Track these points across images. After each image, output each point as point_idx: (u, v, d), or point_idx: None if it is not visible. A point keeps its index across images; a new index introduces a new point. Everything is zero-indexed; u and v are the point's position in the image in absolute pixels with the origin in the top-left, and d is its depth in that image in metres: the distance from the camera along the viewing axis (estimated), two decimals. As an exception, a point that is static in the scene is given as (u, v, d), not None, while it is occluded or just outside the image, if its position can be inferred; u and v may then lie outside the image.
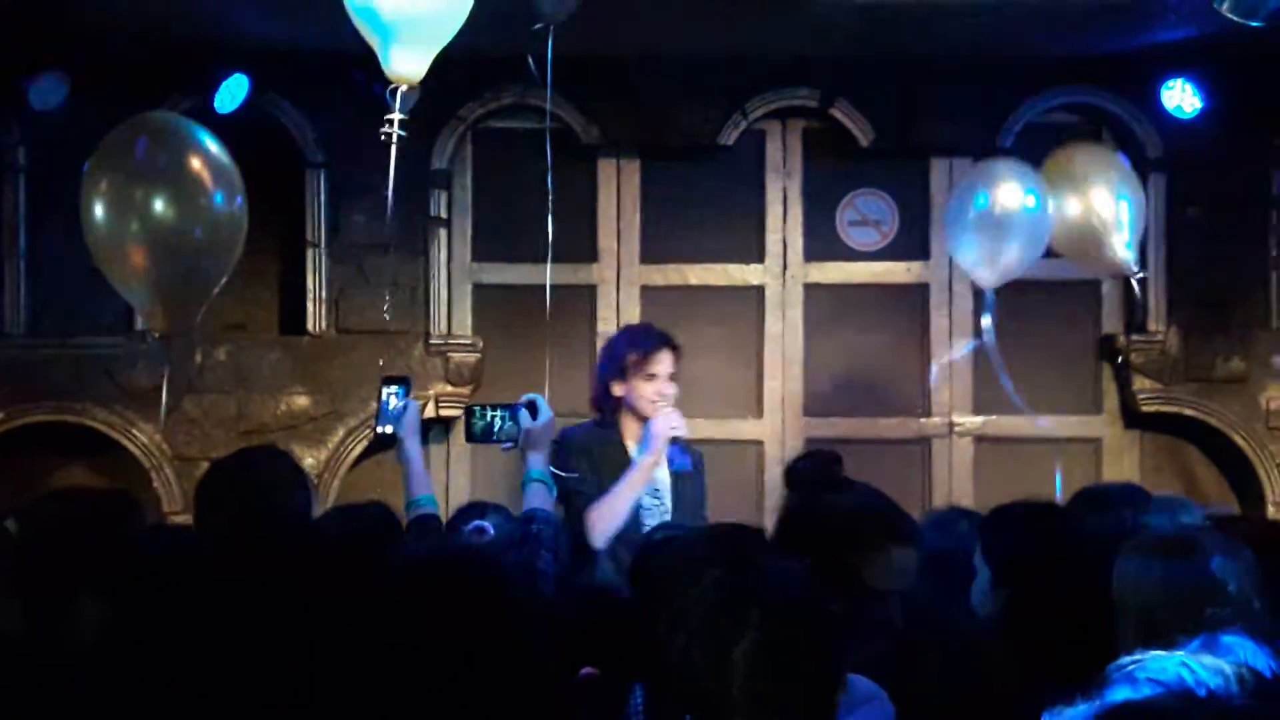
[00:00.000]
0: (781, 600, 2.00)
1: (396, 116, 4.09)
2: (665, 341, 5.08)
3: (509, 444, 3.86)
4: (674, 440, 4.92)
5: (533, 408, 3.84)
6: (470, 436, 3.89)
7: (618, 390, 5.00)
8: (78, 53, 5.80)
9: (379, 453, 6.27)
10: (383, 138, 4.10)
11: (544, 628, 2.18)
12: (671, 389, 5.03)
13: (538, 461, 3.81)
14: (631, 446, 4.99)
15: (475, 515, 4.69)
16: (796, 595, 2.02)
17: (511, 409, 3.85)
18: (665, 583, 3.24)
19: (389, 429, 3.87)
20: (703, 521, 5.19)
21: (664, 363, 5.03)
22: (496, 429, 3.86)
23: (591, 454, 4.97)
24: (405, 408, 3.88)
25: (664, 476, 5.08)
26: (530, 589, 2.59)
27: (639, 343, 5.06)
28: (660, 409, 4.95)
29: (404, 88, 3.94)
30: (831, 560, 2.88)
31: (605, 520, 4.79)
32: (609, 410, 5.06)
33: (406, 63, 3.88)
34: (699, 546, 3.06)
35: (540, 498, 3.75)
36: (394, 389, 3.89)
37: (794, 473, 4.64)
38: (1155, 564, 2.77)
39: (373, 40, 3.90)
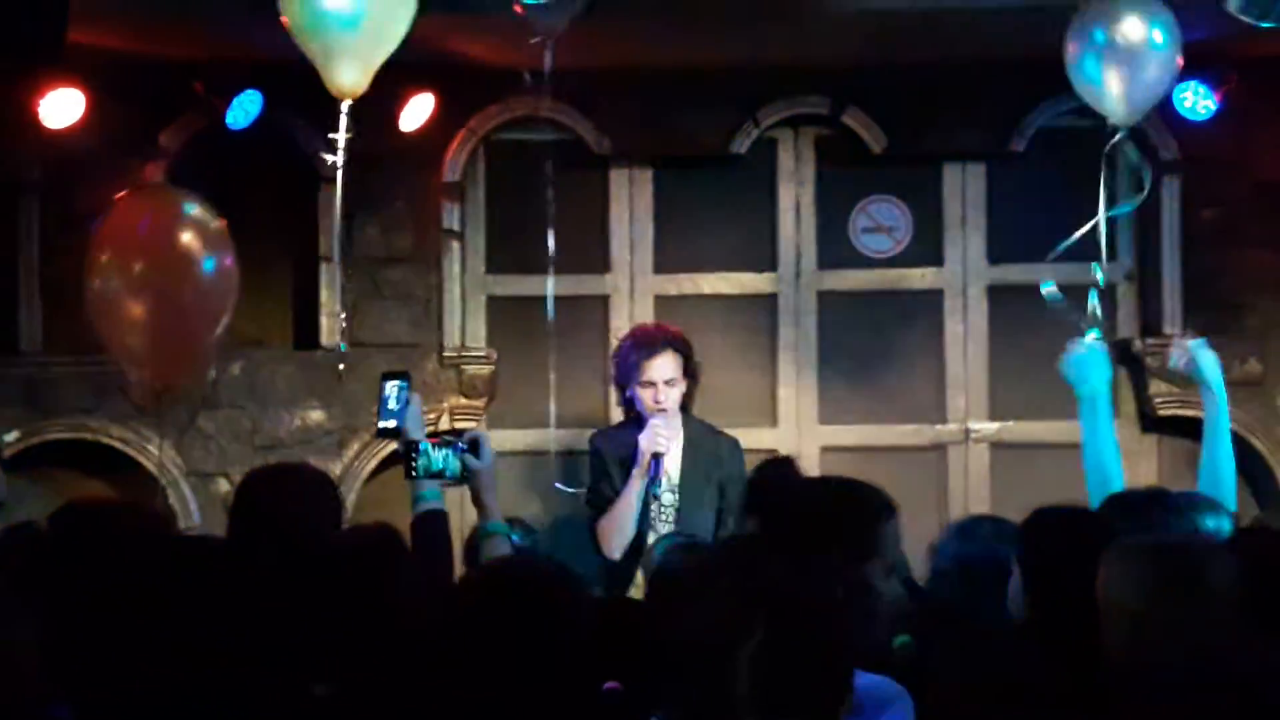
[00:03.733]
0: (789, 602, 2.00)
1: (342, 135, 4.08)
2: (661, 346, 5.11)
3: (451, 480, 3.65)
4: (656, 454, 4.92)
5: (474, 446, 3.65)
6: (410, 474, 3.64)
7: (631, 393, 5.06)
8: (91, 71, 5.81)
9: (394, 466, 6.27)
10: (328, 160, 4.09)
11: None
12: (670, 393, 5.05)
13: (494, 510, 3.64)
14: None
15: None
16: (804, 597, 2.02)
17: (454, 448, 3.64)
18: (678, 593, 3.25)
19: (391, 424, 3.77)
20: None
21: (660, 368, 5.06)
22: (440, 467, 3.63)
23: (623, 461, 5.01)
24: (407, 403, 3.81)
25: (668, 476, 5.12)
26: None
27: (637, 348, 5.11)
28: (651, 422, 4.98)
29: (346, 104, 3.92)
30: (812, 548, 2.89)
31: (609, 534, 4.83)
32: (635, 410, 5.12)
33: (347, 75, 3.85)
34: (712, 557, 3.06)
35: (503, 550, 3.61)
36: (394, 384, 3.76)
37: (756, 489, 4.67)
38: (1142, 568, 2.73)
39: (312, 53, 3.87)
